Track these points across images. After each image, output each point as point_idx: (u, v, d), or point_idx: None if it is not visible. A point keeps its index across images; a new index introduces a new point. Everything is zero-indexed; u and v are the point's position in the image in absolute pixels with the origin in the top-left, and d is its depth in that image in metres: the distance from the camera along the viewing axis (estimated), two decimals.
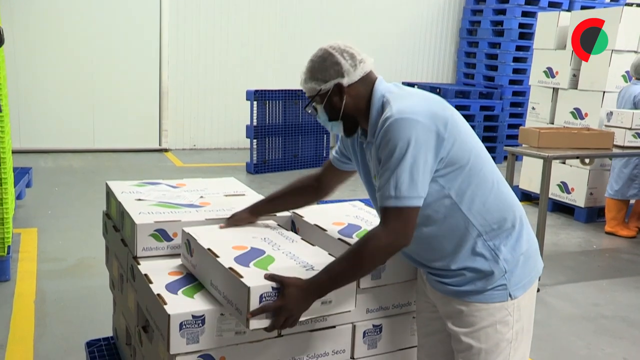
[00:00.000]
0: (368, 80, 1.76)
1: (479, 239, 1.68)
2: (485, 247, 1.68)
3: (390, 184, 1.58)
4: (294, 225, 2.20)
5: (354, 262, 1.61)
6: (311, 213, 2.21)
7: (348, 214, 2.24)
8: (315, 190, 2.08)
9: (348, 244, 1.87)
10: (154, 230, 1.96)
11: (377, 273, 1.84)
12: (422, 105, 1.64)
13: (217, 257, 1.72)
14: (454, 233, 1.68)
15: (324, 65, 1.74)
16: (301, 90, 8.37)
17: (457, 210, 1.66)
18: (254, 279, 1.57)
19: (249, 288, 1.53)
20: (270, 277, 1.59)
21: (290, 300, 1.56)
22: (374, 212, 2.27)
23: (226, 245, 1.81)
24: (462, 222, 1.67)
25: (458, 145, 1.64)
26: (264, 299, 1.55)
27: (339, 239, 1.93)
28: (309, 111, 1.84)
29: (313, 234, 2.05)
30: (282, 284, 1.57)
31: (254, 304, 1.54)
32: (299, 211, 2.21)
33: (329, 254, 1.82)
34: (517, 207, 1.76)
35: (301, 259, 1.75)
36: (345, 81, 1.72)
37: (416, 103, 1.64)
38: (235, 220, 2.04)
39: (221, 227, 2.00)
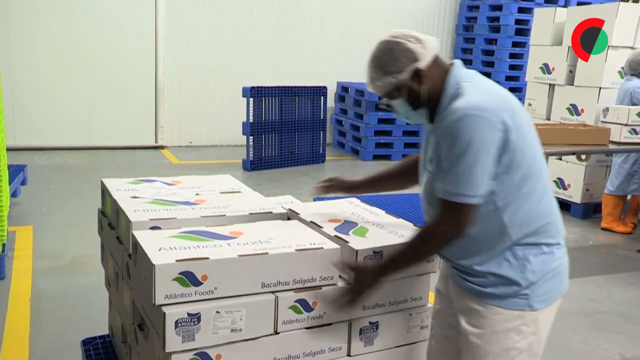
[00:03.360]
0: (441, 63, 1.72)
1: (510, 248, 1.68)
2: (515, 256, 1.68)
3: (451, 179, 1.59)
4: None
5: (412, 252, 1.73)
6: (307, 210, 2.20)
7: (345, 210, 2.23)
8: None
9: (345, 241, 1.87)
10: (149, 228, 1.94)
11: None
12: (494, 102, 1.60)
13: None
14: (488, 237, 1.68)
15: (393, 55, 1.68)
16: (297, 87, 8.26)
17: (499, 217, 1.66)
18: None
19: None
20: (346, 265, 1.78)
21: (362, 285, 1.74)
22: (370, 209, 2.27)
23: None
24: (499, 229, 1.67)
25: (522, 147, 1.61)
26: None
27: (335, 236, 1.92)
28: (384, 108, 1.82)
29: None
30: (355, 270, 1.75)
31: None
32: (295, 208, 2.21)
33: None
34: (557, 223, 1.75)
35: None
36: (422, 64, 1.67)
37: (489, 99, 1.60)
38: (329, 187, 2.14)
39: (314, 187, 2.17)
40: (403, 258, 1.74)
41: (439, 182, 1.64)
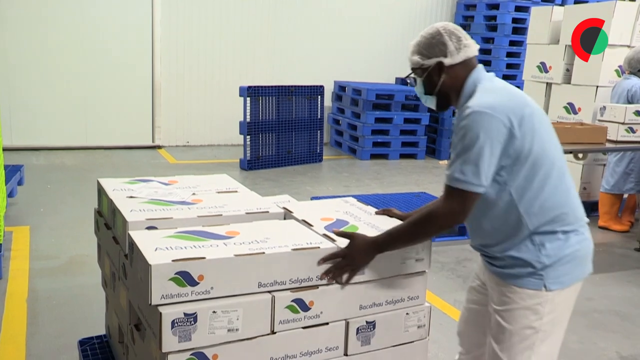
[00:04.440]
0: (469, 65, 1.88)
1: (527, 236, 1.81)
2: (532, 242, 1.82)
3: (457, 167, 1.75)
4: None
5: (412, 231, 1.83)
6: (301, 208, 2.20)
7: (338, 209, 2.23)
8: None
9: (332, 239, 1.87)
10: (145, 228, 1.94)
11: (355, 273, 1.84)
12: (502, 101, 1.76)
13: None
14: (507, 228, 1.83)
15: (431, 42, 1.87)
16: (294, 86, 8.29)
17: (515, 208, 1.80)
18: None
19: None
20: (340, 233, 1.86)
21: (354, 249, 1.79)
22: (364, 208, 2.27)
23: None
24: (516, 219, 1.81)
25: (529, 143, 1.76)
26: None
27: (323, 234, 1.92)
28: (409, 81, 2.01)
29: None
30: (350, 237, 1.82)
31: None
32: (290, 206, 2.21)
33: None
34: (575, 211, 1.87)
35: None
36: (447, 61, 1.86)
37: (497, 99, 1.77)
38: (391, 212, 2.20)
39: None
40: (402, 237, 1.84)
41: (446, 171, 1.79)
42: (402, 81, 9.38)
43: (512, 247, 1.83)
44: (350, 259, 1.79)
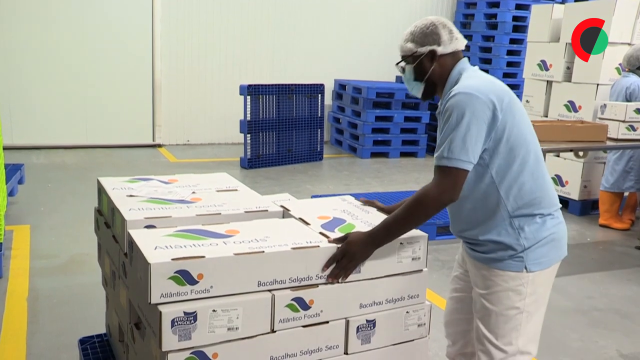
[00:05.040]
0: (456, 57, 1.99)
1: (506, 219, 1.90)
2: (511, 226, 1.90)
3: (445, 146, 1.81)
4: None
5: (406, 216, 1.85)
6: (299, 207, 2.20)
7: (336, 208, 2.22)
8: None
9: (327, 237, 1.87)
10: (144, 227, 1.94)
11: (356, 268, 1.84)
12: (485, 85, 1.86)
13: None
14: (487, 210, 1.91)
15: (425, 32, 1.97)
16: (294, 84, 8.27)
17: (495, 190, 1.89)
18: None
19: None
20: (334, 240, 1.84)
21: (351, 245, 1.79)
22: (362, 207, 2.26)
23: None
24: (496, 201, 1.90)
25: (509, 127, 1.84)
26: None
27: (320, 232, 1.92)
28: (398, 69, 2.07)
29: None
30: (345, 237, 1.83)
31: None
32: (288, 205, 2.21)
33: None
34: (550, 196, 1.95)
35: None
36: (440, 50, 1.96)
37: (480, 83, 1.87)
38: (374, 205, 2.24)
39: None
40: (397, 224, 1.85)
41: (435, 153, 1.86)
42: (402, 80, 9.37)
43: (491, 229, 1.92)
44: (350, 255, 1.79)
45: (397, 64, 2.07)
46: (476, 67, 2.00)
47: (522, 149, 1.87)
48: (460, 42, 1.99)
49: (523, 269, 1.90)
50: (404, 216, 1.85)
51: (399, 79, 9.41)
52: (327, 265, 1.79)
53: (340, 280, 1.81)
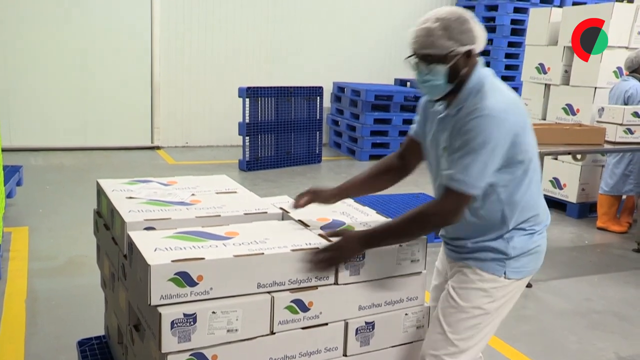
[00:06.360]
0: (477, 56, 1.84)
1: (504, 232, 1.87)
2: (502, 237, 1.88)
3: (462, 167, 1.73)
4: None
5: (405, 227, 1.80)
6: (299, 209, 2.20)
7: (335, 209, 2.23)
8: (398, 169, 2.15)
9: (328, 240, 1.87)
10: (143, 229, 1.94)
11: (355, 269, 1.85)
12: (510, 106, 1.76)
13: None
14: (490, 224, 1.87)
15: (464, 27, 1.76)
16: (293, 87, 8.20)
17: (501, 207, 1.84)
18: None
19: None
20: (332, 233, 1.85)
21: (343, 240, 1.78)
22: (361, 209, 2.26)
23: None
24: (500, 217, 1.85)
25: (524, 150, 1.80)
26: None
27: (319, 234, 1.93)
28: (411, 65, 1.84)
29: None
30: (342, 233, 1.84)
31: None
32: (286, 207, 2.20)
33: None
34: (545, 213, 1.96)
35: None
36: (476, 48, 1.80)
37: (507, 103, 1.76)
38: (314, 194, 2.09)
39: (296, 205, 2.08)
40: (392, 233, 1.81)
41: (447, 170, 1.77)
42: (401, 82, 9.38)
43: (484, 238, 1.89)
44: (337, 248, 1.77)
45: (415, 59, 1.81)
46: (492, 73, 1.87)
47: (530, 168, 1.85)
48: (485, 36, 1.83)
49: (502, 274, 1.88)
50: (403, 227, 1.81)
51: (397, 82, 9.43)
52: (315, 254, 1.76)
53: (318, 269, 1.76)
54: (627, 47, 5.65)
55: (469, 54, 1.78)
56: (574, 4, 8.62)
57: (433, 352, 1.91)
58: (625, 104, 5.12)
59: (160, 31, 8.15)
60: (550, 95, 6.11)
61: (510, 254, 1.87)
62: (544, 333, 3.43)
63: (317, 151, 7.89)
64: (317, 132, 7.84)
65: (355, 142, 8.43)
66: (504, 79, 9.07)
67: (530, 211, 1.88)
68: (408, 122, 8.47)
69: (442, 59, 1.77)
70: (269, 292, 1.73)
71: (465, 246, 1.93)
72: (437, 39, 1.75)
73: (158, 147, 8.36)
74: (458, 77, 1.80)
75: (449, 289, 1.94)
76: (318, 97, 7.76)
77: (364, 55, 9.27)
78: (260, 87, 7.23)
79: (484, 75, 1.82)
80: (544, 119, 6.17)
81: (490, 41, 9.16)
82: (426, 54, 1.78)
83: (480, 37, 1.80)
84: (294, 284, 1.76)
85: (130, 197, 2.21)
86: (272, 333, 1.74)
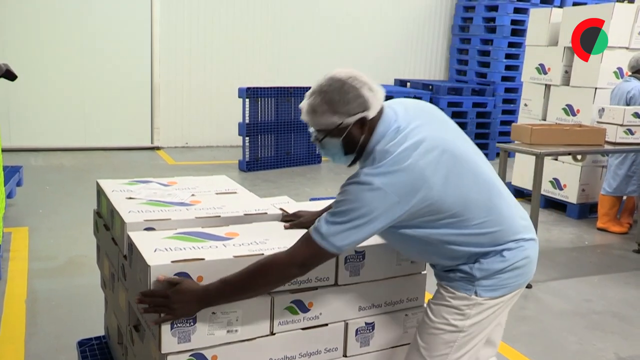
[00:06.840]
0: (380, 112, 1.71)
1: (463, 260, 1.77)
2: (467, 263, 1.77)
3: (328, 222, 1.60)
4: None
5: (244, 280, 1.61)
6: (298, 209, 2.20)
7: None
8: None
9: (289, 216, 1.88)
10: (143, 229, 1.94)
11: (355, 270, 1.84)
12: (407, 170, 1.59)
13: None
14: (456, 262, 1.78)
15: (347, 98, 1.64)
16: (293, 87, 8.20)
17: (464, 251, 1.74)
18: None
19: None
20: (169, 278, 1.60)
21: (177, 297, 1.56)
22: None
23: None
24: (466, 258, 1.76)
25: (447, 198, 1.63)
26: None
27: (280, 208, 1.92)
28: (316, 143, 1.75)
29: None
30: (179, 282, 1.59)
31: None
32: (287, 208, 2.21)
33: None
34: (511, 227, 1.77)
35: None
36: (370, 114, 1.66)
37: (411, 168, 1.59)
38: (297, 217, 2.06)
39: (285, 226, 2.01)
40: (233, 289, 1.61)
41: (319, 218, 1.64)
42: (400, 83, 9.38)
43: (451, 265, 1.79)
44: (170, 303, 1.56)
45: (317, 140, 1.72)
46: (396, 111, 1.71)
47: (470, 202, 1.67)
48: (381, 93, 1.70)
49: (473, 293, 1.76)
50: (242, 280, 1.60)
51: (397, 83, 9.43)
52: (143, 294, 1.60)
53: (142, 312, 1.62)
54: (627, 48, 5.65)
55: (362, 122, 1.66)
56: (574, 4, 8.62)
57: None
58: (627, 104, 5.12)
59: (161, 31, 8.15)
60: (551, 95, 6.11)
61: (477, 275, 1.75)
62: (543, 333, 3.43)
63: (316, 151, 7.88)
64: None
65: None
66: (504, 79, 9.07)
67: (488, 236, 1.73)
68: None
69: (334, 133, 1.68)
70: (268, 293, 1.73)
71: (436, 268, 1.86)
72: (321, 116, 1.66)
73: (158, 148, 8.36)
74: (357, 146, 1.69)
75: (425, 307, 1.88)
76: None
77: (364, 56, 9.26)
78: (260, 88, 7.23)
79: (382, 135, 1.66)
80: (544, 120, 6.17)
81: (490, 41, 9.17)
82: (317, 130, 1.71)
83: (371, 99, 1.66)
84: (293, 284, 1.76)
85: (130, 198, 2.21)
86: (272, 334, 1.74)
